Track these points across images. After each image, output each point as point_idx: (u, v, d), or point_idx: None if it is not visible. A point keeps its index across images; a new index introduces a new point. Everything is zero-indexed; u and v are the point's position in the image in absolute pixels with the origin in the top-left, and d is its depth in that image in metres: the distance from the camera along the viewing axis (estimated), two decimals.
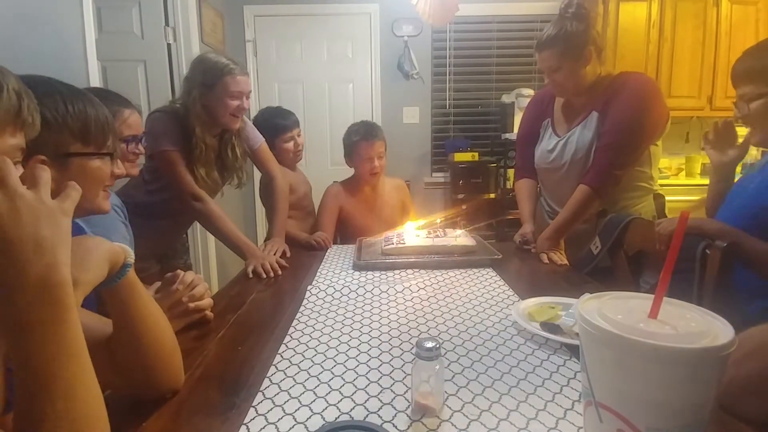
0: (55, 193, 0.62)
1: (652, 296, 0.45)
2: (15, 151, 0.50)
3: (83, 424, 0.43)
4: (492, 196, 3.13)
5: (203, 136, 1.44)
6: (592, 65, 1.37)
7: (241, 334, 0.89)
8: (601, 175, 1.35)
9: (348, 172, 2.00)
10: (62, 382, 0.41)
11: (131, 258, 0.59)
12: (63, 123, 0.73)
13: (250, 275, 1.30)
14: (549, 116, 1.57)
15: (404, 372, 0.72)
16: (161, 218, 1.52)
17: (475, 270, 1.29)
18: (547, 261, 1.41)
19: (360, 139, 1.80)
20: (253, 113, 2.04)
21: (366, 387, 0.68)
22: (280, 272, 1.32)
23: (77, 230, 1.02)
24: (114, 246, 0.58)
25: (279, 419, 0.60)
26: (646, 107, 1.33)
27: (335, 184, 1.94)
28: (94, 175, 0.78)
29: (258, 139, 1.67)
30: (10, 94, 0.49)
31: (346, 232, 1.90)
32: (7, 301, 0.40)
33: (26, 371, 0.40)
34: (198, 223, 1.58)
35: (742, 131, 1.21)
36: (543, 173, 1.60)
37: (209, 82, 1.42)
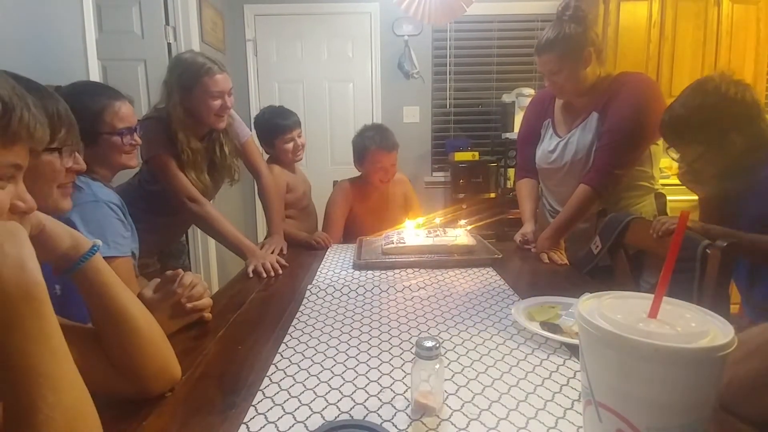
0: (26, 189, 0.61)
1: (652, 296, 0.45)
2: (4, 168, 0.48)
3: (75, 413, 0.44)
4: (492, 195, 3.13)
5: (187, 141, 1.42)
6: (592, 66, 1.37)
7: (241, 334, 0.89)
8: (601, 175, 1.35)
9: (348, 171, 1.99)
10: (48, 376, 0.43)
11: (97, 247, 0.61)
12: None
13: (251, 275, 1.31)
14: (550, 117, 1.57)
15: (404, 371, 0.72)
16: (161, 215, 1.52)
17: (475, 269, 1.29)
18: (547, 260, 1.41)
19: (377, 148, 1.77)
20: (254, 113, 2.03)
21: (366, 386, 0.68)
22: (280, 271, 1.33)
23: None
24: (73, 233, 0.60)
25: (279, 418, 0.60)
26: (646, 107, 1.33)
27: (344, 181, 1.93)
28: (43, 171, 0.75)
29: (245, 132, 1.66)
30: None
31: (351, 232, 1.89)
32: None
33: (12, 369, 0.41)
34: None
35: None
36: (544, 173, 1.61)
37: (187, 85, 1.40)
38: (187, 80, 1.40)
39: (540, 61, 1.40)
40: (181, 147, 1.41)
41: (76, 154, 0.84)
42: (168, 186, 1.42)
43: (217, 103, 1.42)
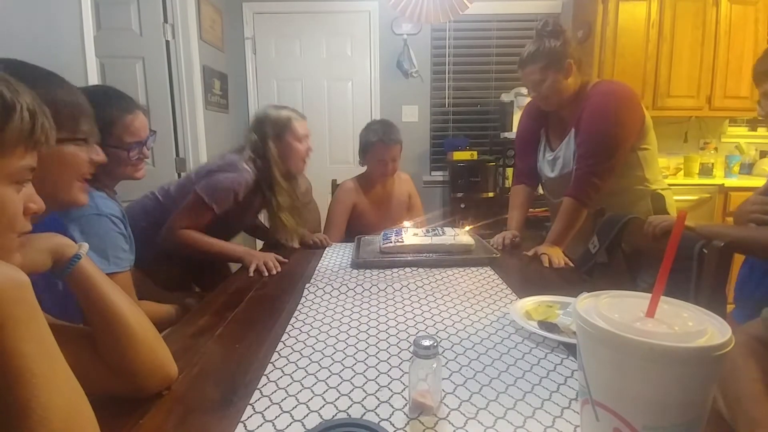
0: (36, 186, 0.62)
1: (650, 295, 0.45)
2: (24, 171, 0.50)
3: (69, 413, 0.44)
4: (491, 194, 3.13)
5: (282, 183, 1.50)
6: (574, 77, 1.43)
7: (238, 332, 0.89)
8: (580, 185, 1.41)
9: (347, 169, 2.00)
10: (41, 376, 0.43)
11: (83, 251, 0.62)
12: None
13: (251, 274, 1.31)
14: (544, 126, 1.63)
15: (402, 370, 0.72)
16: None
17: (474, 268, 1.29)
18: (547, 264, 1.40)
19: (378, 141, 1.80)
20: (252, 111, 2.04)
21: (363, 385, 0.68)
22: (279, 268, 1.34)
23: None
24: (61, 239, 0.61)
25: (276, 417, 0.60)
26: (612, 115, 1.38)
27: (349, 180, 1.95)
28: (68, 162, 0.75)
29: None
30: (24, 114, 0.48)
31: (356, 228, 1.90)
32: None
33: (5, 369, 0.41)
34: None
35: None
36: (545, 182, 1.67)
37: (278, 132, 1.51)
38: (278, 129, 1.51)
39: (524, 73, 1.48)
40: (279, 189, 1.50)
41: (96, 145, 0.83)
42: (176, 215, 1.39)
43: (304, 145, 1.55)
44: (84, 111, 0.78)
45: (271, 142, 1.50)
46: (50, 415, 0.42)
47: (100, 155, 0.83)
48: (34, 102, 0.49)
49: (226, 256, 1.43)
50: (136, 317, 0.64)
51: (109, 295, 0.62)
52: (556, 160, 1.55)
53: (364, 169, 1.94)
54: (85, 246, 0.63)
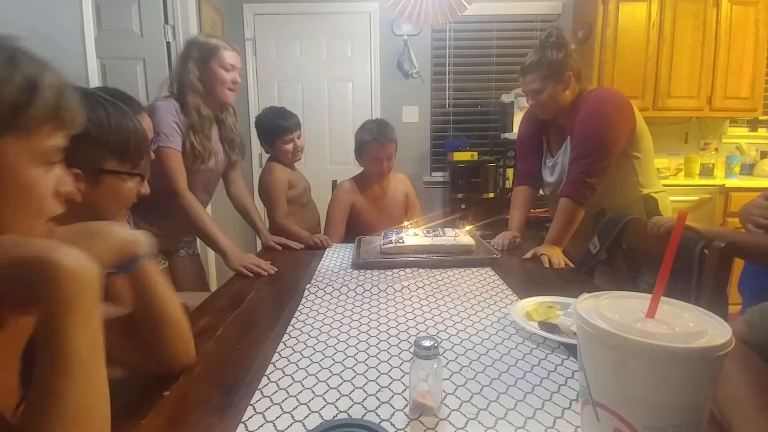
0: (84, 207, 0.65)
1: (650, 296, 0.45)
2: (53, 152, 0.49)
3: (98, 399, 0.46)
4: (491, 195, 3.13)
5: (197, 105, 1.48)
6: (571, 88, 1.47)
7: (239, 333, 0.89)
8: (575, 185, 1.43)
9: (347, 170, 2.01)
10: (87, 364, 0.44)
11: (143, 250, 0.63)
12: (104, 138, 0.72)
13: (247, 273, 1.30)
14: (545, 130, 1.65)
15: (402, 371, 0.72)
16: (164, 217, 1.50)
17: (474, 269, 1.29)
18: (548, 265, 1.40)
19: (372, 140, 1.81)
20: (253, 112, 2.04)
21: (364, 385, 0.68)
22: (263, 273, 1.31)
23: None
24: (127, 236, 0.61)
25: (277, 417, 0.60)
26: (603, 118, 1.42)
27: (347, 181, 1.96)
28: (123, 194, 0.78)
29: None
30: (46, 91, 0.46)
31: (354, 228, 1.91)
32: (59, 287, 0.42)
33: (59, 353, 0.42)
34: None
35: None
36: (547, 186, 1.69)
37: (204, 56, 1.49)
38: (204, 52, 1.49)
39: (524, 81, 1.52)
40: (189, 110, 1.46)
41: (146, 180, 0.86)
42: (162, 177, 1.40)
43: (230, 75, 1.51)
44: (147, 147, 0.81)
45: (192, 65, 1.48)
46: (82, 401, 0.43)
47: (146, 188, 0.86)
48: (58, 79, 0.48)
49: (212, 241, 1.42)
50: (176, 309, 0.68)
51: (163, 294, 0.66)
52: (554, 166, 1.58)
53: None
54: (145, 244, 0.65)
